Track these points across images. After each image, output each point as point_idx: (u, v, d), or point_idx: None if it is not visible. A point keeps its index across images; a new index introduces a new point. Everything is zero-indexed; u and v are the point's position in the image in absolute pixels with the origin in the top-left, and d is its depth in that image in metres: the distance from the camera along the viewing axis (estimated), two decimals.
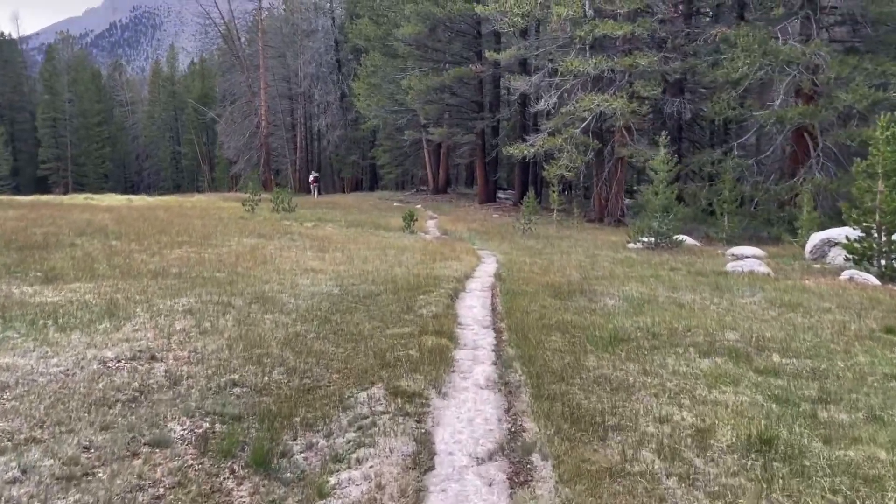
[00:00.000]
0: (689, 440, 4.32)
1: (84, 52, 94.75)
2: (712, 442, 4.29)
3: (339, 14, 53.88)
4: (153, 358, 6.06)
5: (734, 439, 4.31)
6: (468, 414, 4.90)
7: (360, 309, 8.35)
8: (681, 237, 17.83)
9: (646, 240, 17.48)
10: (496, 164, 39.96)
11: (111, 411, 4.78)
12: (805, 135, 22.56)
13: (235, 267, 11.37)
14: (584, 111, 23.47)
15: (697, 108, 27.43)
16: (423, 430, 4.53)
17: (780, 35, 21.89)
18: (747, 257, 15.97)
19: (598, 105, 23.12)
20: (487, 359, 6.43)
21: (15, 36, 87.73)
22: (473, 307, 9.15)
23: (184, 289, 9.15)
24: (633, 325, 7.61)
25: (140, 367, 5.78)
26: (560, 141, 24.41)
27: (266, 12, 56.12)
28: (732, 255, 16.86)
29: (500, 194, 41.27)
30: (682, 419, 4.67)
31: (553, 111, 26.53)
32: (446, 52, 35.15)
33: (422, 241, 17.95)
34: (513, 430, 4.63)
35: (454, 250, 15.48)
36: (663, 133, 18.93)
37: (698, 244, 19.47)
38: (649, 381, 5.53)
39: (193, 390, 5.27)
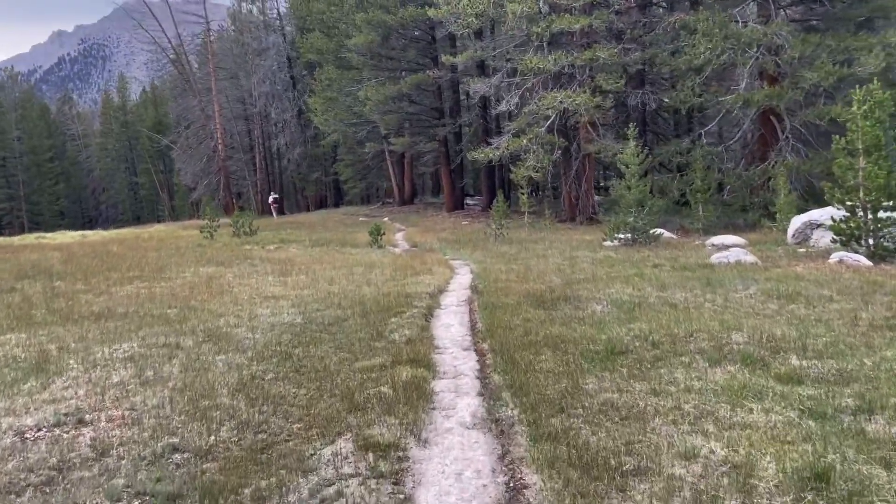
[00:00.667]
0: (726, 482, 3.55)
1: (31, 88, 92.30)
2: (755, 482, 3.52)
3: (289, 31, 52.89)
4: (81, 422, 5.15)
5: (780, 475, 3.54)
6: (455, 466, 4.07)
7: (325, 339, 7.49)
8: (658, 231, 17.23)
9: (622, 236, 16.84)
10: (462, 171, 39.23)
11: (18, 501, 3.89)
12: (771, 117, 22.18)
13: (189, 301, 10.42)
14: (548, 109, 22.84)
15: (660, 98, 27.00)
16: (401, 496, 3.69)
17: (738, 18, 21.51)
18: (730, 247, 15.39)
19: (561, 102, 22.51)
20: (472, 389, 5.62)
21: None
22: (451, 326, 8.34)
23: (128, 331, 8.22)
24: (629, 334, 6.86)
25: (64, 436, 4.88)
26: (525, 141, 23.74)
27: (215, 34, 54.85)
28: (713, 245, 16.29)
29: (469, 201, 40.58)
30: (712, 452, 3.90)
31: (515, 112, 25.87)
32: (402, 60, 34.40)
33: (391, 255, 17.12)
34: (511, 485, 3.79)
35: (425, 263, 14.66)
36: (631, 125, 18.35)
37: (675, 236, 18.93)
38: (662, 403, 4.75)
39: (124, 461, 4.39)
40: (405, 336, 7.44)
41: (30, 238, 27.83)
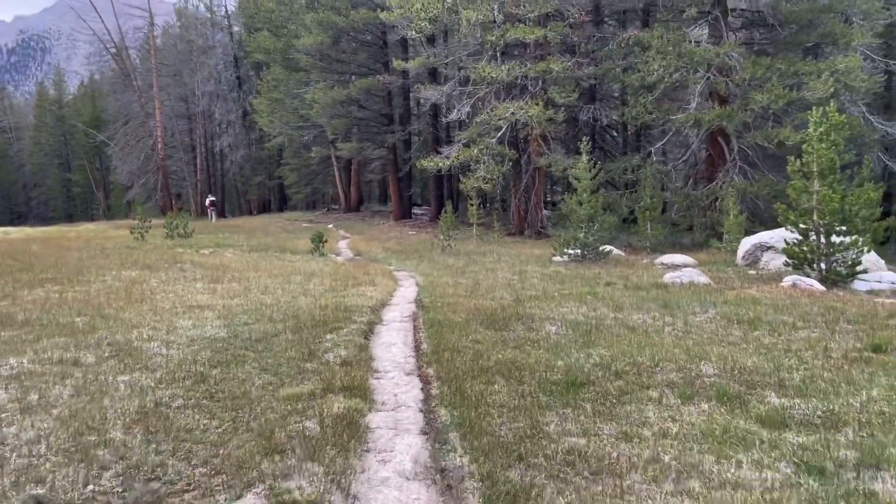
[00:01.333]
0: None
1: None
2: None
3: (237, 29, 51.40)
4: None
5: None
6: None
7: (249, 358, 6.61)
8: (607, 248, 16.82)
9: (572, 252, 16.35)
10: (410, 179, 38.43)
11: None
12: (720, 138, 22.18)
13: (103, 308, 9.35)
14: (499, 120, 22.34)
15: (611, 115, 26.86)
16: None
17: (691, 38, 21.45)
18: (680, 266, 15.07)
19: (513, 113, 22.04)
20: (414, 425, 4.84)
21: None
22: (393, 345, 7.56)
23: (24, 343, 7.16)
24: (589, 361, 6.21)
25: None
26: (476, 152, 23.17)
27: (159, 29, 52.85)
28: (663, 264, 15.98)
29: (416, 210, 39.84)
30: None
31: (467, 121, 25.32)
32: (352, 63, 33.55)
33: (332, 263, 16.21)
34: None
35: (368, 273, 13.84)
36: (584, 139, 17.92)
37: (623, 254, 18.62)
38: (636, 451, 4.07)
39: None
40: (340, 357, 6.64)
41: None
